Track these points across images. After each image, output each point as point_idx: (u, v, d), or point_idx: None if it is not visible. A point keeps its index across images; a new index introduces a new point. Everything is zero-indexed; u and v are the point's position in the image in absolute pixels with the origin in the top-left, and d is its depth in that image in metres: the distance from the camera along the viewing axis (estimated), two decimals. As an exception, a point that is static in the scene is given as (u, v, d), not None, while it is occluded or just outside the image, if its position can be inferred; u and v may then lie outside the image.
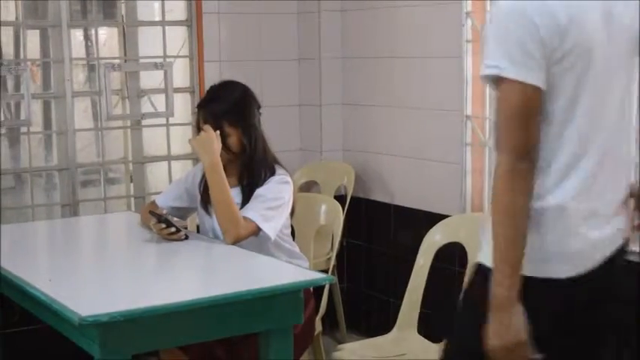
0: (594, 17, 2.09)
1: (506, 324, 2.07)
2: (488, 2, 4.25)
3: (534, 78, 2.04)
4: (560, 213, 2.11)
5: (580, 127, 2.11)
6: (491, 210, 2.11)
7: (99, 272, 3.14)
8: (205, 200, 3.51)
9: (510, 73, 2.04)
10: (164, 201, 3.65)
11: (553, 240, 2.12)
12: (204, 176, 3.50)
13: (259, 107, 3.52)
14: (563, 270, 2.13)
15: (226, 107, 3.44)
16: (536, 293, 2.11)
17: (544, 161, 2.11)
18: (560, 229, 2.12)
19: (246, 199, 3.41)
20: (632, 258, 3.63)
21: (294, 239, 3.65)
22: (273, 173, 3.44)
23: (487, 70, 2.09)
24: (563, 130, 2.11)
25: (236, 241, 3.27)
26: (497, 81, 2.08)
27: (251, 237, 3.32)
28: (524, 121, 2.06)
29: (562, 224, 2.12)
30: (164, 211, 3.44)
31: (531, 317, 2.09)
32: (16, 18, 4.63)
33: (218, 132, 3.38)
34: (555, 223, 2.11)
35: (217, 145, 3.35)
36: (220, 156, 3.39)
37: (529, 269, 2.09)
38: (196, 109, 3.54)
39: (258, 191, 3.40)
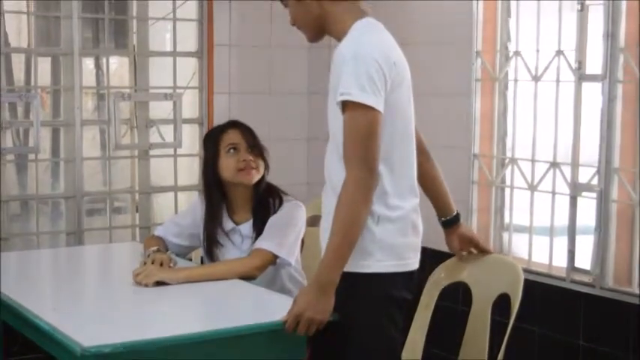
0: (403, 59, 2.74)
1: (324, 303, 2.62)
2: (499, 43, 4.28)
3: (378, 104, 2.56)
4: (405, 214, 2.74)
5: (402, 141, 2.72)
6: (335, 216, 2.58)
7: (102, 302, 3.13)
8: (209, 245, 3.51)
9: (360, 98, 2.54)
10: (164, 235, 3.62)
11: (404, 237, 2.75)
12: (205, 219, 3.50)
13: None
14: (412, 262, 2.80)
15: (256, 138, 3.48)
16: (392, 283, 2.73)
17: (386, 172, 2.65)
18: (408, 228, 2.76)
19: (259, 230, 3.40)
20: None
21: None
22: (282, 200, 3.45)
23: (341, 97, 2.56)
24: (396, 144, 2.68)
25: (257, 276, 3.29)
26: (347, 106, 2.55)
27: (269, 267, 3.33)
28: (369, 140, 2.56)
29: (405, 224, 2.74)
30: (169, 253, 3.43)
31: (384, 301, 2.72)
32: (28, 45, 4.67)
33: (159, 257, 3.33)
34: (403, 223, 2.73)
35: (163, 267, 3.27)
36: (257, 170, 3.42)
37: (388, 265, 2.70)
38: (223, 130, 3.51)
39: (272, 219, 3.39)
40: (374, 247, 2.69)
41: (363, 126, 2.56)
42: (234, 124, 3.50)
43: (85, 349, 2.44)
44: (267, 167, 3.47)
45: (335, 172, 2.69)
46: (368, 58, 2.58)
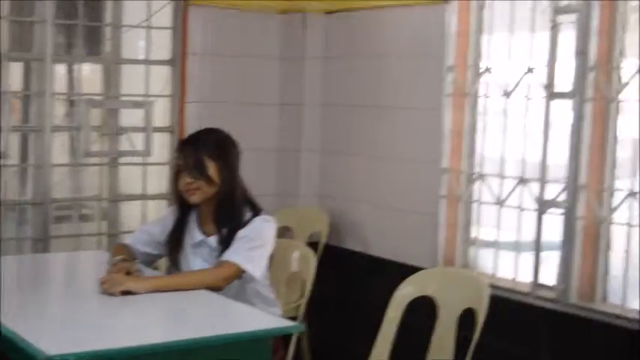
0: None
1: None
2: (471, 58, 4.31)
3: None
4: None
5: None
6: None
7: (67, 310, 3.11)
8: (175, 257, 3.52)
9: None
10: (134, 243, 3.63)
11: None
12: (173, 230, 3.52)
13: (239, 154, 3.53)
14: None
15: (207, 142, 3.45)
16: None
17: None
18: None
19: (226, 244, 3.40)
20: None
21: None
22: (257, 214, 3.45)
23: None
24: None
25: (223, 287, 3.29)
26: None
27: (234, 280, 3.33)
28: None
29: None
30: (136, 261, 3.44)
31: None
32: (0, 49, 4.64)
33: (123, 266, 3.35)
34: None
35: (129, 276, 3.27)
36: (201, 191, 3.40)
37: None
38: (176, 150, 3.55)
39: (241, 233, 3.39)
40: None
41: None
42: (182, 144, 3.52)
43: (49, 357, 2.43)
44: (227, 172, 3.46)
45: None
46: None
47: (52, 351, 2.45)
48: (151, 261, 3.66)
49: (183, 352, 2.67)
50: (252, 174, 3.60)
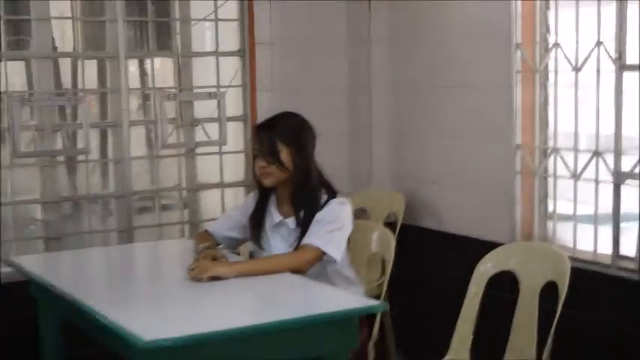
0: None
1: None
2: (538, 35, 4.31)
3: None
4: None
5: None
6: None
7: (158, 298, 3.19)
8: (257, 237, 3.61)
9: None
10: (218, 230, 3.73)
11: None
12: (254, 211, 3.59)
13: (314, 138, 3.59)
14: None
15: (281, 127, 3.52)
16: None
17: None
18: None
19: (304, 226, 3.48)
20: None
21: (346, 266, 3.71)
22: (333, 197, 3.51)
23: None
24: None
25: (307, 270, 3.37)
26: None
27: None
28: None
29: None
30: (220, 246, 3.53)
31: None
32: (74, 49, 4.76)
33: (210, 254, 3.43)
34: None
35: (216, 262, 3.36)
36: (273, 175, 3.47)
37: None
38: (254, 132, 3.62)
39: (318, 216, 3.46)
40: None
41: None
42: (258, 128, 3.59)
43: (147, 344, 2.52)
44: (301, 157, 3.51)
45: None
46: None
47: (149, 337, 2.54)
48: (234, 245, 3.77)
49: (274, 334, 2.75)
50: (325, 158, 3.65)
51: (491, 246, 3.83)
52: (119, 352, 2.83)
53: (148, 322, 2.78)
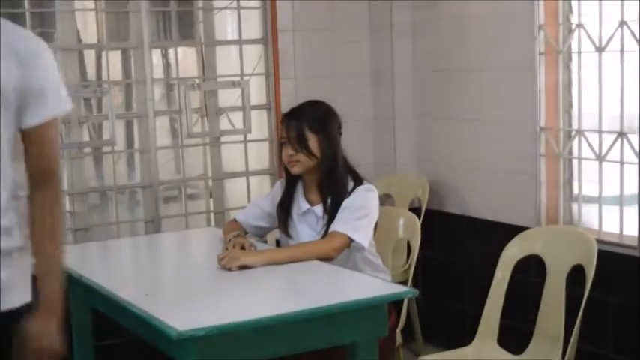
0: None
1: None
2: (561, 15, 4.30)
3: None
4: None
5: None
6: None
7: (188, 287, 3.22)
8: (285, 225, 3.64)
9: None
10: (246, 219, 3.77)
11: None
12: (281, 199, 3.63)
13: (340, 126, 3.62)
14: None
15: (308, 115, 3.55)
16: None
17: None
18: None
19: (331, 214, 3.50)
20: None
21: (373, 252, 3.74)
22: (359, 184, 3.54)
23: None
24: None
25: (335, 257, 3.41)
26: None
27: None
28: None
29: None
30: (248, 235, 3.57)
31: None
32: (98, 40, 4.80)
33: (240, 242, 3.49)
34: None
35: (245, 250, 3.42)
36: (301, 163, 3.51)
37: None
38: (280, 121, 3.65)
39: (346, 203, 3.49)
40: None
41: None
42: (285, 117, 3.61)
43: (181, 333, 2.55)
44: (328, 144, 3.53)
45: None
46: None
47: (183, 327, 2.56)
48: (262, 234, 3.80)
49: (305, 321, 2.77)
50: (350, 145, 3.68)
51: (516, 230, 3.85)
52: (151, 342, 2.86)
53: (180, 312, 2.81)
